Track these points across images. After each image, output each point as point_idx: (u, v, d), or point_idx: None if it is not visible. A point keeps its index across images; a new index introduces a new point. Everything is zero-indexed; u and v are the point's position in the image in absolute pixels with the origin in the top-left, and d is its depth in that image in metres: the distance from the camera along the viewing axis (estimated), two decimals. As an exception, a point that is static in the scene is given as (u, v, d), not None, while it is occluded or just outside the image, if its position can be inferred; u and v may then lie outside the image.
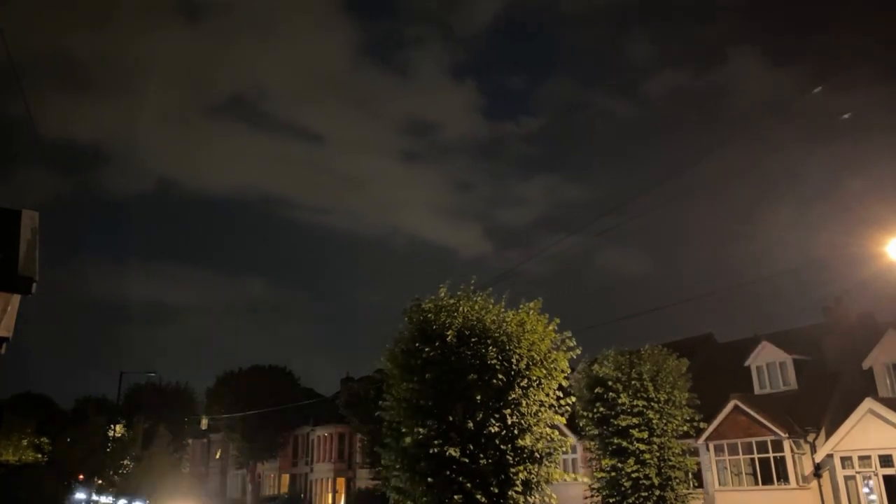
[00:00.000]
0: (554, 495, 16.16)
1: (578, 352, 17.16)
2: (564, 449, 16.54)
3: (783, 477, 23.81)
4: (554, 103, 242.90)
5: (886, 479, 21.39)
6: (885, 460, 21.48)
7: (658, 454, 23.40)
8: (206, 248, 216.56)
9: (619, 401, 23.74)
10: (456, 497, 14.99)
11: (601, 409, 24.20)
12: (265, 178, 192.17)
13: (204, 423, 66.73)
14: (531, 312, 16.72)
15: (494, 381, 15.50)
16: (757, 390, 27.86)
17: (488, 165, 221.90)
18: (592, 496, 25.61)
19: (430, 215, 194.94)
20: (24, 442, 62.74)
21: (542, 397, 16.30)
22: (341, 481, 50.28)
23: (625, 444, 23.37)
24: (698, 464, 25.26)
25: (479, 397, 15.43)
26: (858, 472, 22.10)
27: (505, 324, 16.24)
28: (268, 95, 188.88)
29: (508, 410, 15.57)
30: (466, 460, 15.18)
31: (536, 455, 15.79)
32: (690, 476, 25.08)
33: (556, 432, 16.58)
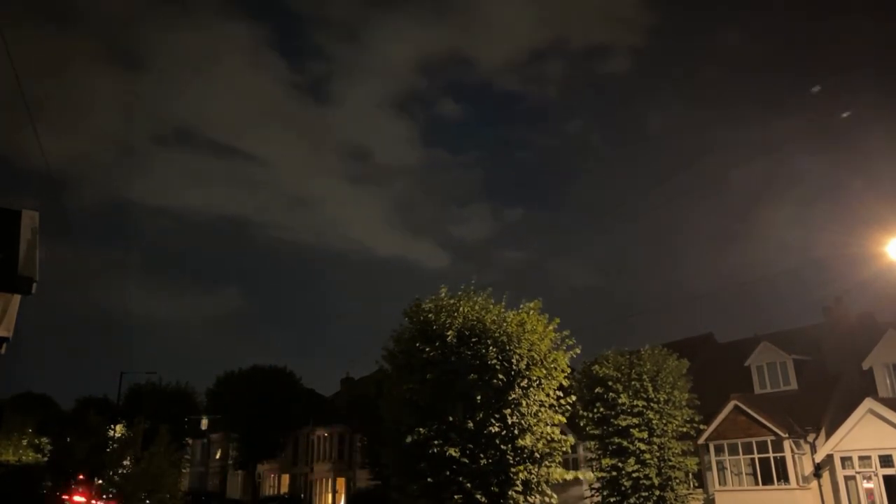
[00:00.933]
0: (554, 495, 16.16)
1: (578, 351, 17.17)
2: (564, 449, 16.54)
3: (783, 477, 23.80)
4: (486, 133, 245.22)
5: (886, 479, 21.38)
6: (885, 460, 21.48)
7: (658, 454, 23.40)
8: (174, 263, 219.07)
9: (619, 401, 23.74)
10: (456, 497, 14.99)
11: (601, 409, 24.20)
12: (219, 199, 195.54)
13: (204, 423, 66.74)
14: (531, 312, 16.73)
15: (494, 381, 15.50)
16: (757, 390, 27.85)
17: (428, 188, 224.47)
18: (593, 496, 25.60)
19: (384, 232, 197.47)
20: (24, 442, 62.81)
21: (543, 397, 16.31)
22: (341, 481, 50.24)
23: (625, 444, 23.37)
24: (698, 464, 25.23)
25: (479, 397, 15.43)
26: (858, 472, 22.09)
27: (505, 324, 16.24)
28: (211, 125, 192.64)
29: (508, 410, 15.57)
30: (466, 460, 15.19)
31: (536, 455, 15.79)
32: (690, 476, 25.07)
33: (557, 432, 16.58)
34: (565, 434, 16.85)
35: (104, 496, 35.91)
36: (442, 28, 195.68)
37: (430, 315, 16.56)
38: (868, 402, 21.97)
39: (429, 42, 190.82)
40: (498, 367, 15.60)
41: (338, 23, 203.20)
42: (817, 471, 23.39)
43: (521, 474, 15.39)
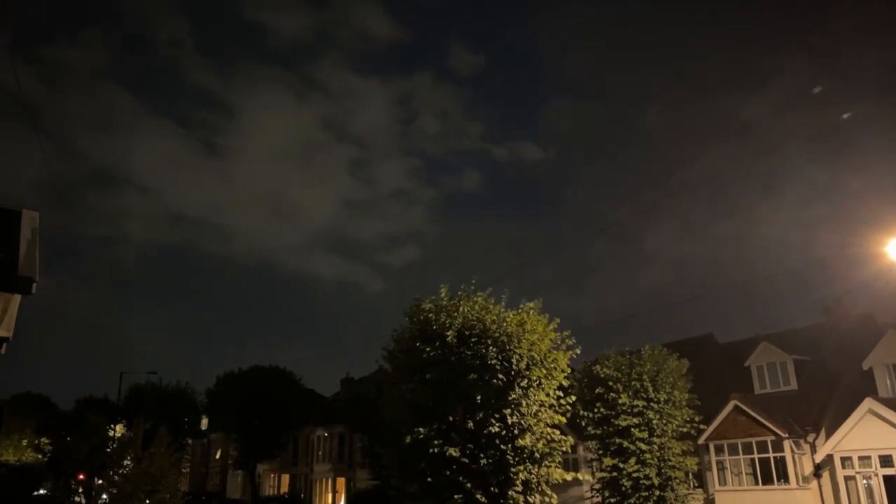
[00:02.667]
0: (554, 495, 16.16)
1: (578, 351, 17.17)
2: (564, 449, 16.53)
3: (783, 477, 23.80)
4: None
5: (886, 479, 21.38)
6: (885, 460, 21.47)
7: (658, 454, 23.39)
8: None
9: (620, 401, 23.73)
10: (456, 497, 14.99)
11: (601, 409, 24.19)
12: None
13: (204, 423, 66.71)
14: (531, 312, 16.72)
15: (494, 381, 15.50)
16: (757, 390, 27.85)
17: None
18: (593, 496, 25.60)
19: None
20: (24, 442, 62.73)
21: (543, 397, 16.30)
22: (341, 481, 50.21)
23: (625, 444, 23.36)
24: (698, 464, 25.23)
25: (479, 397, 15.42)
26: (858, 473, 22.08)
27: (505, 324, 16.23)
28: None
29: (508, 410, 15.57)
30: (466, 460, 15.19)
31: (536, 455, 15.78)
32: (690, 476, 25.07)
33: (557, 432, 16.57)
34: (565, 434, 16.84)
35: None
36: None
37: (430, 315, 16.56)
38: (868, 403, 21.97)
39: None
40: (498, 367, 15.59)
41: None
42: (817, 471, 23.39)
43: (521, 474, 15.39)
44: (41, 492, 53.63)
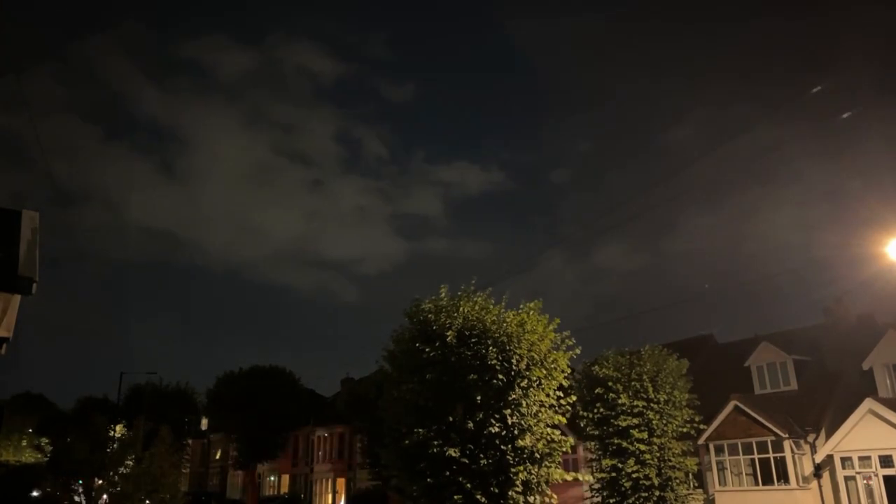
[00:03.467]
0: (554, 495, 16.15)
1: (578, 351, 17.15)
2: (564, 449, 16.52)
3: (783, 477, 23.80)
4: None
5: (886, 479, 21.38)
6: (886, 461, 21.48)
7: (658, 454, 23.37)
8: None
9: (619, 401, 23.72)
10: (456, 497, 14.98)
11: (601, 409, 24.18)
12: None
13: (204, 423, 66.75)
14: (531, 313, 16.70)
15: (494, 381, 15.49)
16: (757, 390, 27.86)
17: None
18: (592, 496, 25.59)
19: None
20: (24, 442, 62.75)
21: (543, 398, 16.29)
22: (341, 481, 50.24)
23: (625, 444, 23.34)
24: (698, 464, 25.22)
25: (479, 398, 15.41)
26: (858, 473, 22.09)
27: (505, 324, 16.22)
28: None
29: (508, 411, 15.56)
30: (466, 461, 15.17)
31: (536, 455, 15.77)
32: (690, 476, 25.05)
33: (557, 432, 16.56)
34: (565, 435, 16.84)
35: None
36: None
37: (430, 315, 16.54)
38: (868, 403, 21.97)
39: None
40: (498, 367, 15.58)
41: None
42: (817, 471, 23.39)
43: (520, 475, 15.37)
44: (35, 494, 53.65)
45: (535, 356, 16.19)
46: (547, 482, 15.97)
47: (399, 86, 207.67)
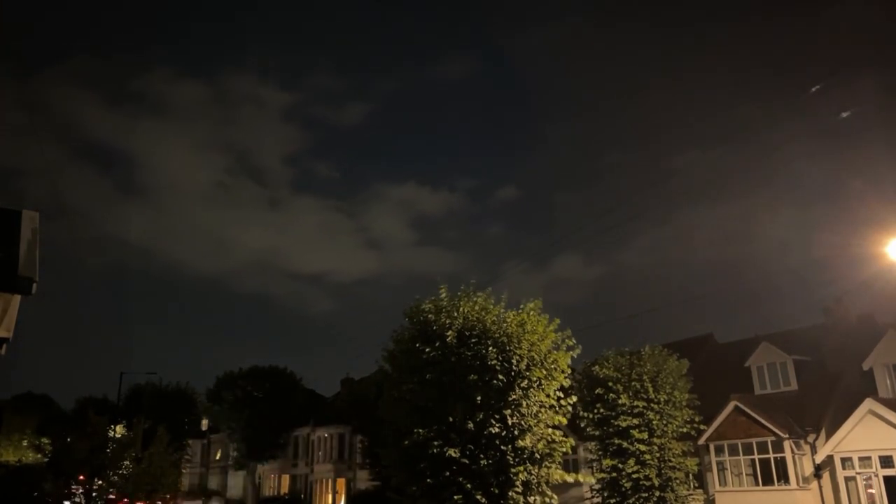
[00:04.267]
0: (554, 496, 16.14)
1: (578, 351, 17.14)
2: (564, 449, 16.51)
3: (783, 478, 23.80)
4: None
5: (887, 479, 21.38)
6: (886, 461, 21.47)
7: (658, 455, 23.38)
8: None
9: (620, 402, 23.72)
10: (456, 498, 14.97)
11: (601, 409, 24.18)
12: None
13: (204, 423, 66.71)
14: (531, 313, 16.69)
15: (495, 381, 15.48)
16: (757, 391, 27.85)
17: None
18: (593, 497, 25.59)
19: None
20: (25, 442, 62.76)
21: (543, 398, 16.28)
22: (341, 482, 50.20)
23: (625, 444, 23.35)
24: (698, 464, 25.22)
25: (479, 398, 15.40)
26: (859, 473, 22.09)
27: (505, 324, 16.21)
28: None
29: (509, 411, 15.55)
30: (467, 461, 15.17)
31: (537, 456, 15.76)
32: (691, 477, 25.06)
33: (557, 433, 16.55)
34: (566, 435, 16.83)
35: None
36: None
37: (429, 315, 16.53)
38: (868, 403, 21.97)
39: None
40: (498, 367, 15.57)
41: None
42: (817, 471, 23.39)
43: (521, 475, 15.36)
44: (35, 493, 53.74)
45: (536, 356, 16.18)
46: (547, 482, 15.96)
47: (347, 109, 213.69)
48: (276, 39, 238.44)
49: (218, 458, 69.37)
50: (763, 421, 24.38)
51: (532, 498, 15.56)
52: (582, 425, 24.86)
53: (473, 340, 15.90)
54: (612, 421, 23.85)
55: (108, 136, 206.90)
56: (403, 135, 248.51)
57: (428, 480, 15.26)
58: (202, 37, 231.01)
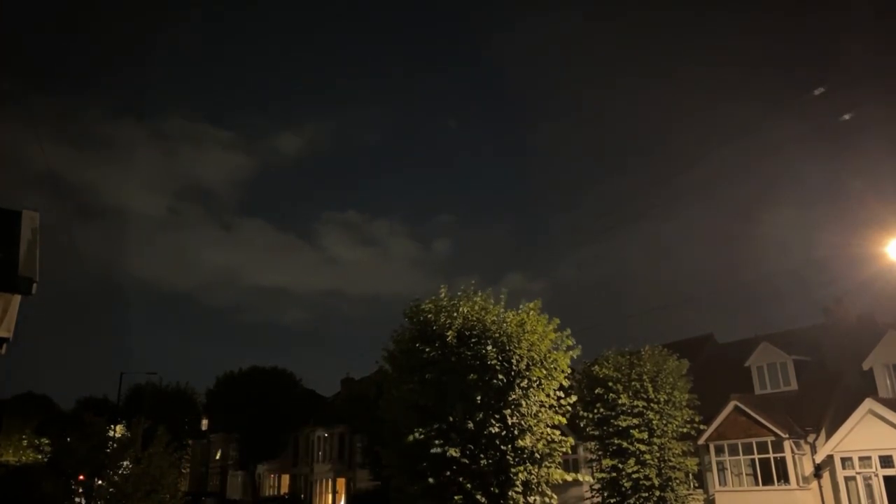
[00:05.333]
0: (554, 496, 16.15)
1: (578, 351, 17.15)
2: (564, 449, 16.52)
3: (783, 477, 23.81)
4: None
5: (887, 479, 21.38)
6: (886, 461, 21.48)
7: (658, 455, 23.39)
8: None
9: (620, 401, 23.74)
10: (456, 497, 14.98)
11: (601, 409, 24.20)
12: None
13: (204, 423, 66.75)
14: (531, 313, 16.70)
15: (494, 381, 15.49)
16: (757, 391, 27.85)
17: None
18: (593, 497, 25.60)
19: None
20: (24, 443, 62.79)
21: (543, 398, 16.29)
22: (341, 482, 50.21)
23: (625, 444, 23.36)
24: (698, 464, 25.23)
25: (479, 398, 15.41)
26: (859, 473, 22.09)
27: (505, 324, 16.22)
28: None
29: (508, 411, 15.56)
30: (467, 461, 15.18)
31: (536, 455, 15.77)
32: (691, 477, 25.07)
33: (557, 433, 16.56)
34: (565, 435, 16.84)
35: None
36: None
37: (429, 315, 16.54)
38: (868, 403, 21.97)
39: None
40: (498, 367, 15.59)
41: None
42: (817, 471, 23.39)
43: (521, 475, 15.38)
44: (35, 494, 53.78)
45: (535, 356, 16.19)
46: (547, 482, 15.97)
47: (287, 137, 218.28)
48: (207, 78, 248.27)
49: (218, 458, 69.41)
50: (763, 421, 24.39)
51: (532, 498, 15.57)
52: (582, 425, 24.87)
53: (473, 340, 15.92)
54: (612, 421, 23.86)
55: (58, 167, 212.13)
56: (341, 166, 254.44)
57: (428, 480, 15.26)
58: (139, 79, 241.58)
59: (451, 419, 15.46)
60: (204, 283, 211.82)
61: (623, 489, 23.16)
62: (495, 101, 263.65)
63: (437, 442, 15.24)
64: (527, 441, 15.55)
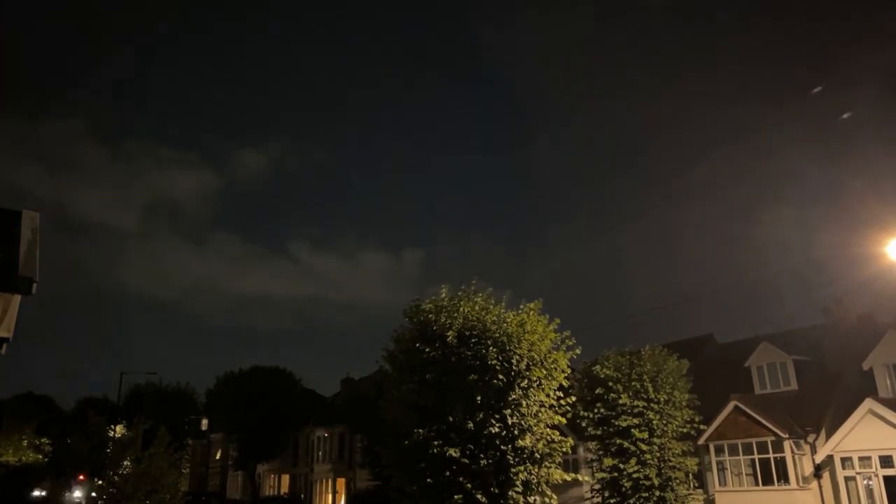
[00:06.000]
0: (554, 496, 16.15)
1: (578, 351, 17.15)
2: (564, 449, 16.52)
3: (783, 477, 23.80)
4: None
5: (886, 479, 21.37)
6: (886, 461, 21.47)
7: (658, 455, 23.38)
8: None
9: (620, 401, 23.72)
10: (456, 497, 14.99)
11: (602, 409, 24.18)
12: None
13: (204, 423, 66.70)
14: (531, 313, 16.71)
15: (495, 381, 15.49)
16: (757, 391, 27.84)
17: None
18: (593, 497, 25.60)
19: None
20: (25, 442, 62.80)
21: (543, 398, 16.30)
22: (341, 482, 50.20)
23: (625, 444, 23.35)
24: (698, 464, 25.22)
25: (479, 398, 15.42)
26: (859, 473, 22.08)
27: (505, 324, 16.23)
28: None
29: (509, 411, 15.57)
30: (467, 461, 15.19)
31: (536, 455, 15.78)
32: (691, 476, 25.06)
33: (557, 433, 16.57)
34: (565, 435, 16.84)
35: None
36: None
37: (430, 315, 16.55)
38: (868, 403, 21.96)
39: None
40: (498, 367, 15.59)
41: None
42: (817, 471, 23.38)
43: (521, 475, 15.39)
44: (38, 493, 53.76)
45: (536, 356, 16.20)
46: (547, 482, 15.98)
47: (252, 155, 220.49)
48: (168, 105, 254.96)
49: (218, 458, 69.40)
50: (763, 421, 24.38)
51: (532, 498, 15.58)
52: (582, 425, 24.86)
53: (473, 340, 15.92)
54: (612, 421, 23.85)
55: (28, 185, 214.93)
56: (302, 188, 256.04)
57: (428, 480, 15.27)
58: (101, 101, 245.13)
59: (451, 419, 15.46)
60: (186, 293, 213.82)
61: (623, 489, 23.15)
62: (487, 107, 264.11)
63: (436, 442, 15.25)
64: (527, 441, 15.55)
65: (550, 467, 16.09)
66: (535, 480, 15.74)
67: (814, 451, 23.62)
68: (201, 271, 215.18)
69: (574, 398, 17.40)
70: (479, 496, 14.99)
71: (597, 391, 24.31)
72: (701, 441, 25.65)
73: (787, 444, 23.77)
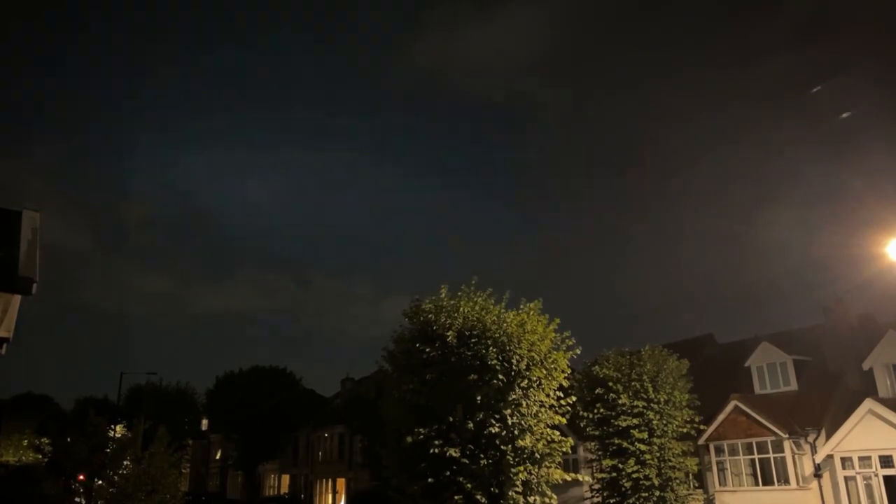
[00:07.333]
0: (554, 496, 16.15)
1: (578, 351, 17.15)
2: (564, 449, 16.52)
3: (783, 477, 23.80)
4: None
5: (887, 479, 21.38)
6: (886, 461, 21.47)
7: (658, 455, 23.38)
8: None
9: (620, 401, 23.73)
10: (456, 497, 14.98)
11: (601, 409, 24.19)
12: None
13: (204, 423, 66.76)
14: (531, 313, 16.70)
15: (494, 381, 15.48)
16: (757, 391, 27.84)
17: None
18: (593, 497, 25.60)
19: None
20: (25, 442, 62.81)
21: (543, 398, 16.30)
22: (341, 482, 50.21)
23: (625, 444, 23.36)
24: (698, 464, 25.22)
25: (479, 398, 15.41)
26: (859, 473, 22.08)
27: (505, 324, 16.21)
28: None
29: (508, 411, 15.56)
30: (466, 461, 15.17)
31: (536, 456, 15.77)
32: (691, 477, 25.07)
33: (557, 433, 16.56)
34: (565, 435, 16.84)
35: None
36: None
37: (430, 315, 16.53)
38: (868, 403, 21.96)
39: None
40: (498, 367, 15.58)
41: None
42: (817, 471, 23.38)
43: (520, 475, 15.38)
44: (35, 494, 53.78)
45: (536, 356, 16.19)
46: (547, 482, 15.98)
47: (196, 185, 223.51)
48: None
49: (218, 458, 69.43)
50: (763, 421, 24.39)
51: (532, 498, 15.57)
52: (582, 425, 24.86)
53: (473, 340, 15.90)
54: (612, 421, 23.85)
55: None
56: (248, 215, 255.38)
57: (428, 480, 15.26)
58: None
59: (451, 419, 15.45)
60: (152, 310, 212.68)
61: (623, 489, 23.16)
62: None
63: (436, 442, 15.23)
64: (527, 441, 15.55)
65: (550, 467, 16.08)
66: (535, 480, 15.74)
67: (814, 450, 23.62)
68: (163, 288, 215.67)
69: (574, 398, 17.38)
70: (478, 496, 14.98)
71: (596, 391, 24.32)
72: (701, 441, 25.66)
73: (787, 444, 23.78)
